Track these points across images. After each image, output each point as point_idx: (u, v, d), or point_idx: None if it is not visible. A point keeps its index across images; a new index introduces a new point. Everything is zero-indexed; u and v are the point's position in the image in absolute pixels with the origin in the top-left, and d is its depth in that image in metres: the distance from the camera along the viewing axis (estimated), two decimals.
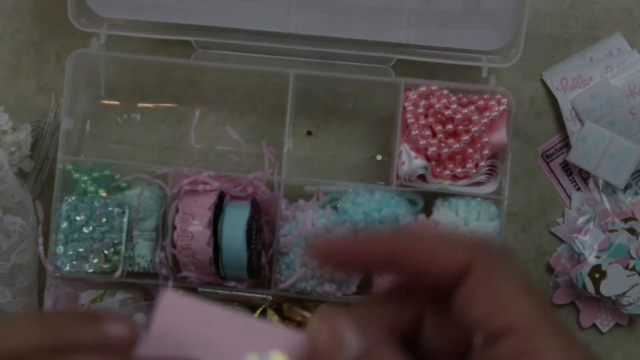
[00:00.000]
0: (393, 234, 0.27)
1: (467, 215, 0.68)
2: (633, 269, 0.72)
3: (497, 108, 0.69)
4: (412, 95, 0.70)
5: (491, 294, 0.25)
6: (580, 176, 0.75)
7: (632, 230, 0.73)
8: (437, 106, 0.69)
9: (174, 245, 0.67)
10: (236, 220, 0.67)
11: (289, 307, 0.71)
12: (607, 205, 0.73)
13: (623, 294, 0.72)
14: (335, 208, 0.70)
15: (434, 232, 0.27)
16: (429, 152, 0.69)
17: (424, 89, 0.70)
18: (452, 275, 0.25)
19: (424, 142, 0.69)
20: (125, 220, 0.68)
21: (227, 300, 0.70)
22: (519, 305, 0.24)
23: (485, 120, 0.68)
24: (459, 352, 0.27)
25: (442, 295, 0.26)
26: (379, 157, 0.75)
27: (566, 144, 0.75)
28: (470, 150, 0.69)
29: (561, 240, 0.75)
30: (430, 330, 0.27)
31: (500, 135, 0.69)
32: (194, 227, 0.66)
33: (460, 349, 0.26)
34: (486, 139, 0.69)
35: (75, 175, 0.69)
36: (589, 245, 0.73)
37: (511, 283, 0.25)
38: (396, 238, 0.27)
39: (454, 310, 0.26)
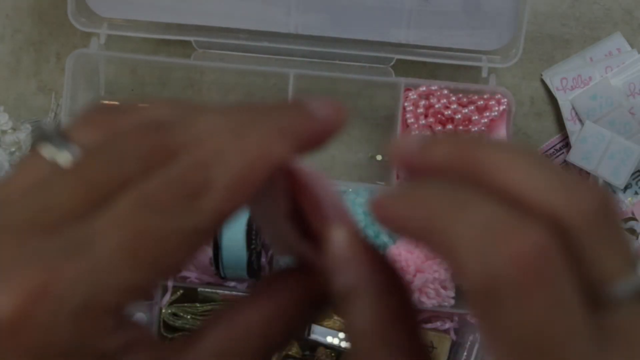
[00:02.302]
0: None
1: None
2: None
3: (497, 108, 0.69)
4: (412, 95, 0.70)
5: None
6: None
7: (632, 231, 0.73)
8: (437, 106, 0.69)
9: None
10: (236, 221, 0.66)
11: None
12: None
13: None
14: None
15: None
16: None
17: (424, 89, 0.70)
18: None
19: None
20: None
21: (227, 301, 0.70)
22: None
23: (485, 120, 0.68)
24: None
25: None
26: (379, 157, 0.75)
27: (566, 144, 0.75)
28: None
29: None
30: None
31: (500, 135, 0.69)
32: None
33: None
34: None
35: None
36: None
37: None
38: None
39: None
